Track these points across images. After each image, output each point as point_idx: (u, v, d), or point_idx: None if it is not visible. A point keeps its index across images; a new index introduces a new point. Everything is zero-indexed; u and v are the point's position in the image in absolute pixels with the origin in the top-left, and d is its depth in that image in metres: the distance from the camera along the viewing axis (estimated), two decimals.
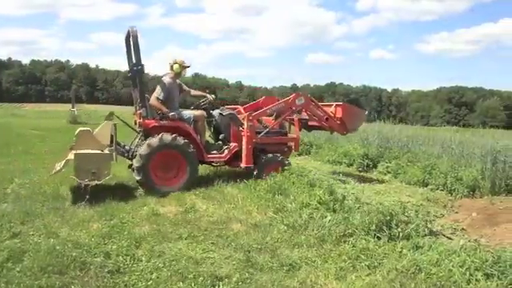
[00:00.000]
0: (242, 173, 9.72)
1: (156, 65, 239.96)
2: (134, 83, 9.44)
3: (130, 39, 8.99)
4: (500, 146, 10.92)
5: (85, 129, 8.98)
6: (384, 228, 5.96)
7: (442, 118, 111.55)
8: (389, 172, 12.33)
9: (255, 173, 9.57)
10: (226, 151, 9.76)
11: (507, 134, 16.20)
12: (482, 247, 5.45)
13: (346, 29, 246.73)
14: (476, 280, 4.45)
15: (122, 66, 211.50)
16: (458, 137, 13.37)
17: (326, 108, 11.00)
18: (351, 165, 13.72)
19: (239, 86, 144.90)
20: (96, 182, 7.95)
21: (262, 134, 9.95)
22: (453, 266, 4.69)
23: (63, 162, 8.36)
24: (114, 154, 8.70)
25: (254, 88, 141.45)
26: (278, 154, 10.02)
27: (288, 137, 10.78)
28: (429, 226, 6.48)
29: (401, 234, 5.88)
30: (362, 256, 5.22)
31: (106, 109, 67.50)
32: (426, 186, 10.42)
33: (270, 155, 9.87)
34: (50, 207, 7.21)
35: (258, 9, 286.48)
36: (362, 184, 10.40)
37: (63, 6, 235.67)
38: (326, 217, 6.54)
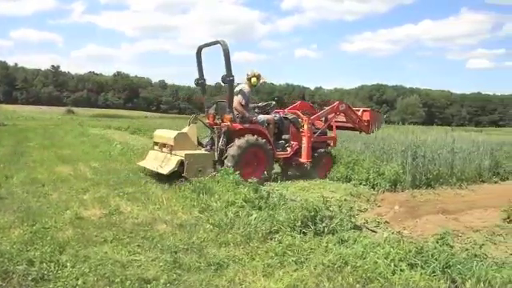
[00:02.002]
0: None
1: (74, 65, 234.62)
2: (202, 90, 11.60)
3: (221, 52, 10.03)
4: (420, 141, 11.31)
5: (182, 132, 10.42)
6: (309, 224, 5.99)
7: None
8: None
9: (308, 167, 11.32)
10: (289, 149, 11.34)
11: (426, 130, 16.75)
12: (405, 239, 5.57)
13: (271, 28, 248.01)
14: (401, 270, 4.52)
15: (43, 64, 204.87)
16: (380, 133, 13.69)
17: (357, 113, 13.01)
18: (276, 162, 13.76)
19: (162, 85, 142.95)
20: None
21: (316, 134, 11.68)
22: (378, 258, 4.75)
23: (173, 162, 9.64)
24: (215, 153, 10.16)
25: (177, 87, 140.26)
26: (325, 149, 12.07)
27: (329, 136, 12.65)
28: (353, 220, 6.55)
29: (326, 229, 5.92)
30: (289, 252, 5.21)
31: (25, 109, 65.57)
32: (349, 182, 10.58)
33: (322, 150, 11.83)
34: None
35: (184, 6, 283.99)
36: (287, 181, 10.45)
37: None
38: (251, 215, 6.54)
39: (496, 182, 12.47)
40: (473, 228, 7.22)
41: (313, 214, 6.12)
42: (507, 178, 13.07)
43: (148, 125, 32.14)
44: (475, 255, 5.09)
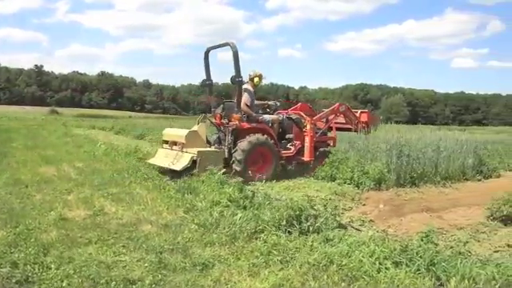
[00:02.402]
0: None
1: (57, 64, 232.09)
2: (209, 91, 12.06)
3: (231, 53, 10.62)
4: (404, 140, 11.37)
5: (192, 130, 10.96)
6: (294, 223, 5.99)
7: None
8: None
9: (311, 164, 11.69)
10: (292, 148, 11.81)
11: (411, 128, 16.82)
12: (389, 237, 5.61)
13: (255, 27, 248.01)
14: (386, 268, 4.54)
15: (26, 64, 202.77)
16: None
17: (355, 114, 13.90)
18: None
19: (146, 85, 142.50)
20: None
21: (318, 134, 12.23)
22: (363, 257, 4.76)
23: (186, 159, 10.14)
24: (225, 151, 10.66)
25: (161, 86, 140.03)
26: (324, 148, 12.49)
27: (329, 136, 13.21)
28: (338, 219, 6.56)
29: (311, 228, 5.92)
30: (274, 251, 5.20)
31: (8, 109, 64.90)
32: (334, 181, 10.55)
33: (322, 149, 12.26)
34: None
35: (169, 6, 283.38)
36: (271, 180, 10.45)
37: None
38: (236, 214, 6.52)
39: (479, 180, 12.52)
40: (457, 226, 7.25)
41: (298, 213, 6.12)
42: (490, 176, 13.14)
43: (132, 124, 32.09)
44: (459, 253, 5.11)
